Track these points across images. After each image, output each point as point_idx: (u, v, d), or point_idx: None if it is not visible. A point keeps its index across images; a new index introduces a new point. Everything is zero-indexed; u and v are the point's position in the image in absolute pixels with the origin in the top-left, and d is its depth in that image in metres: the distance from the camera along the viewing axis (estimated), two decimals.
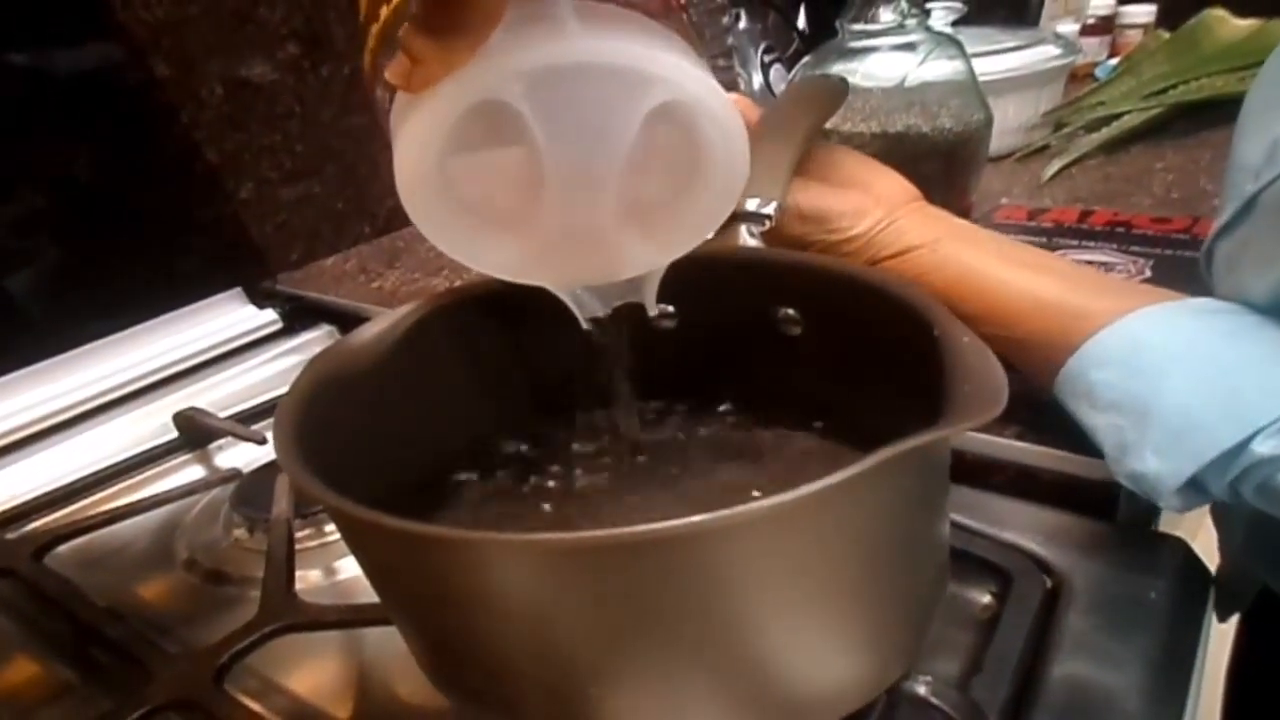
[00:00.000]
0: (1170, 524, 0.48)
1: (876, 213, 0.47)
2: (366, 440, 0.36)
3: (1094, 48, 1.17)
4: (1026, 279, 0.43)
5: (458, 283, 0.73)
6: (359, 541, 0.32)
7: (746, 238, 0.43)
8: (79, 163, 0.69)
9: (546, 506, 0.41)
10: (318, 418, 0.33)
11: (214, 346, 0.72)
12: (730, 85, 0.73)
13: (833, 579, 0.29)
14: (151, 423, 0.65)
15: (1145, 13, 1.19)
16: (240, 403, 0.67)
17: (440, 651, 0.33)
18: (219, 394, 0.68)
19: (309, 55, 0.79)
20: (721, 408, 0.44)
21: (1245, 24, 1.02)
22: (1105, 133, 0.91)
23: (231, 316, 0.75)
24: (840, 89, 0.51)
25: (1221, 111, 0.93)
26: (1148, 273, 0.61)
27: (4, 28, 0.61)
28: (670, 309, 0.43)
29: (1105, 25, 1.19)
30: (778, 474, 0.40)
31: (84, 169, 0.69)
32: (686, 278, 0.43)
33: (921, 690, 0.33)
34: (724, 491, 0.39)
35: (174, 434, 0.65)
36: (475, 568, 0.27)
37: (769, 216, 0.43)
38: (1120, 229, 0.69)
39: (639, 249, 0.35)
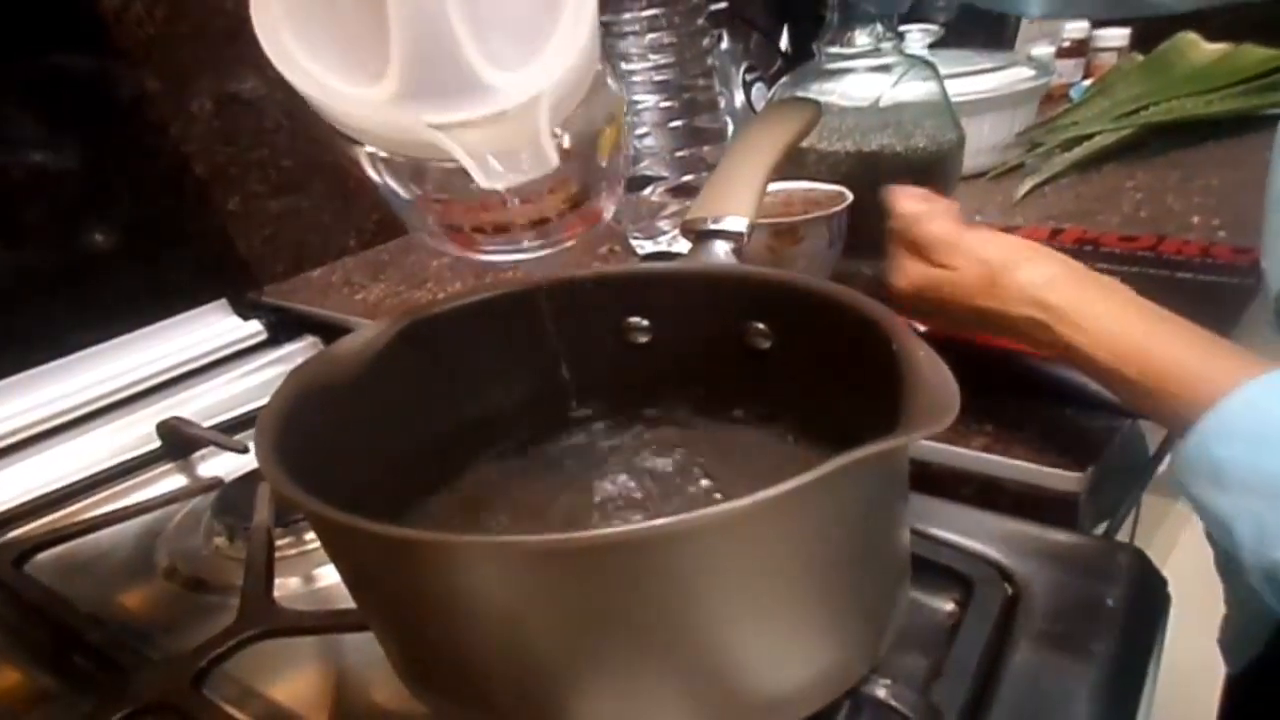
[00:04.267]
0: (1125, 533, 0.50)
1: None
2: (345, 449, 0.37)
3: (1069, 69, 1.20)
4: (1158, 330, 0.42)
5: (440, 295, 0.75)
6: (336, 545, 0.32)
7: (719, 254, 0.45)
8: (69, 174, 0.69)
9: (520, 516, 0.42)
10: (299, 426, 0.34)
11: (199, 357, 0.73)
12: (711, 104, 0.75)
13: (792, 581, 0.30)
14: (135, 431, 0.66)
15: (1119, 36, 1.22)
16: (224, 413, 0.68)
17: (415, 656, 0.34)
18: (203, 404, 0.69)
19: None
20: (694, 418, 0.45)
21: (1216, 48, 1.05)
22: (1077, 152, 0.93)
23: (216, 327, 0.76)
24: (814, 110, 0.52)
25: (1191, 133, 0.96)
26: None
27: (2, 43, 0.62)
28: (645, 322, 0.44)
29: (1080, 48, 1.22)
30: (747, 484, 0.41)
31: (74, 180, 0.70)
32: (659, 293, 0.44)
33: (881, 693, 0.34)
34: (693, 500, 0.41)
35: (157, 443, 0.65)
36: (448, 570, 0.28)
37: (741, 233, 0.45)
38: (1088, 247, 0.70)
39: (501, 78, 0.34)
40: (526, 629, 0.29)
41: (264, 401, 0.67)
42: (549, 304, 0.44)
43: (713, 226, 0.45)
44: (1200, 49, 1.05)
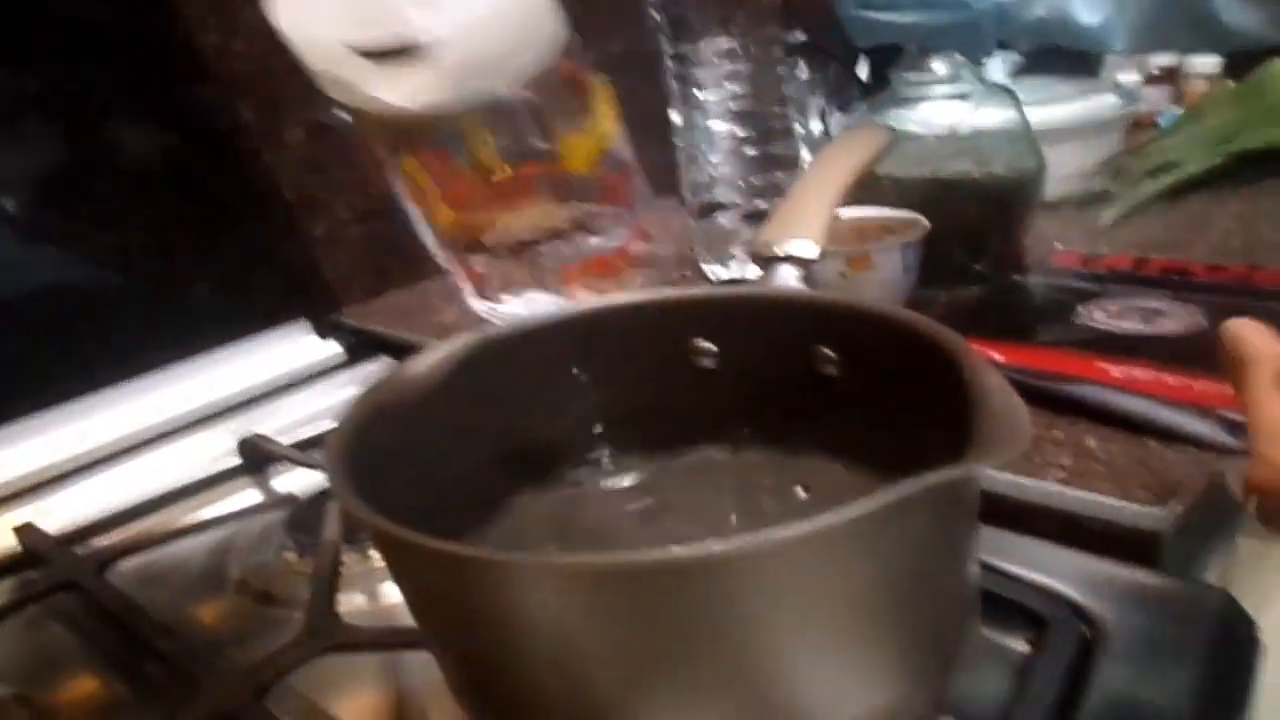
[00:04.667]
0: (1216, 575, 0.48)
1: None
2: (410, 470, 0.37)
3: (1158, 98, 1.16)
4: None
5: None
6: (398, 563, 0.33)
7: (788, 279, 0.44)
8: (166, 199, 0.73)
9: (579, 541, 0.42)
10: (367, 446, 0.35)
11: (280, 376, 0.75)
12: (786, 132, 0.75)
13: (853, 610, 0.29)
14: (218, 446, 0.68)
15: (1211, 64, 1.18)
16: (300, 430, 0.69)
17: (472, 676, 0.34)
18: (282, 421, 0.71)
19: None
20: (760, 445, 0.45)
21: None
22: (1165, 180, 0.90)
23: (297, 347, 0.78)
24: (886, 135, 0.52)
25: None
26: (1202, 320, 0.60)
27: (111, 73, 0.66)
28: (712, 347, 0.44)
29: (1170, 76, 1.18)
30: (812, 512, 0.41)
31: (170, 204, 0.73)
32: (726, 317, 0.44)
33: None
34: (756, 525, 0.40)
35: (237, 458, 0.67)
36: (508, 590, 0.28)
37: (810, 259, 0.44)
38: (1175, 275, 0.68)
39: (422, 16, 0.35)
40: (583, 652, 0.29)
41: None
42: (614, 326, 0.44)
43: (781, 251, 0.45)
44: None
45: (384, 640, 0.43)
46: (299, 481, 0.64)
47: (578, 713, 0.30)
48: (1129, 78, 1.13)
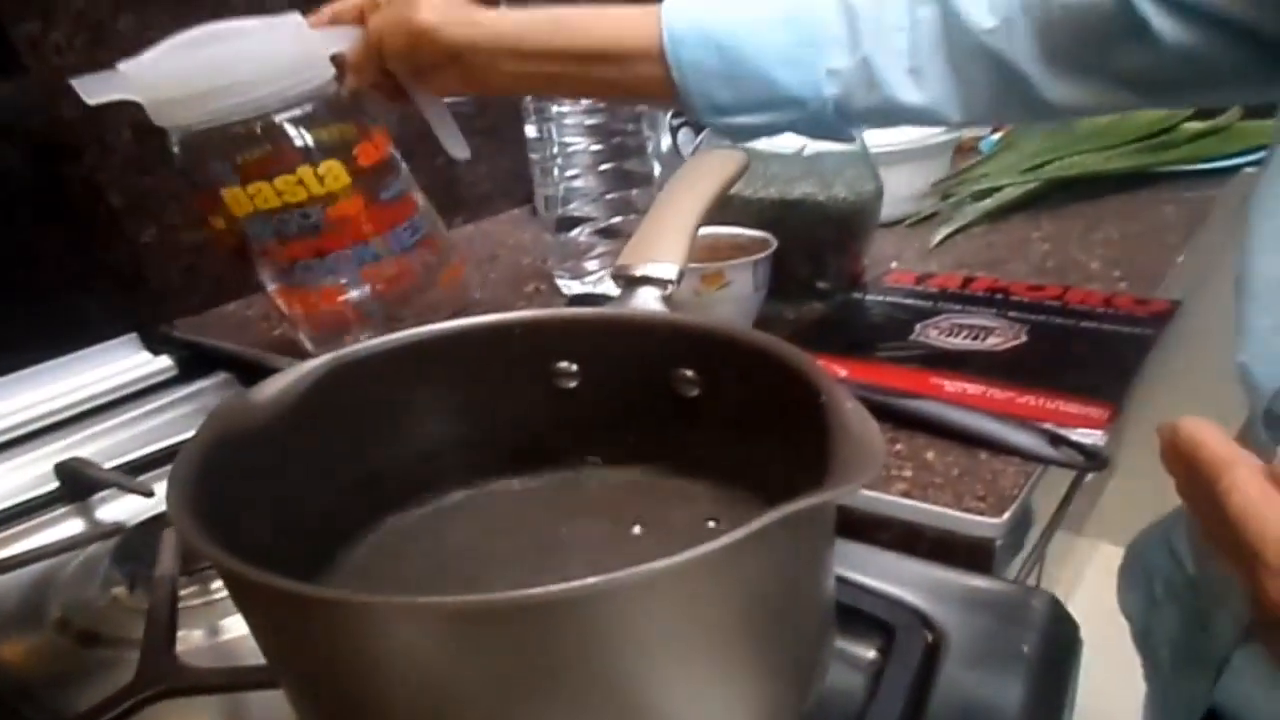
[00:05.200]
0: (1084, 558, 0.51)
1: None
2: (263, 497, 0.35)
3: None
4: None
5: (362, 337, 0.73)
6: (249, 603, 0.31)
7: (648, 300, 0.45)
8: None
9: (442, 567, 0.41)
10: (215, 473, 0.33)
11: (103, 393, 0.70)
12: (640, 149, 0.76)
13: (722, 637, 0.29)
14: (31, 472, 0.63)
15: None
16: (128, 453, 0.65)
17: (330, 717, 0.33)
18: (106, 443, 0.66)
19: None
20: (621, 465, 0.45)
21: None
22: (987, 203, 0.96)
23: (124, 362, 0.73)
24: (742, 159, 0.53)
25: (1092, 187, 1.00)
26: (1024, 337, 0.65)
27: None
28: (573, 367, 0.44)
29: None
30: (674, 533, 0.41)
31: None
32: (589, 338, 0.44)
33: None
34: (621, 551, 0.40)
35: (54, 484, 0.62)
36: (366, 630, 0.27)
37: (670, 281, 0.45)
38: (999, 295, 0.73)
39: None
40: (446, 690, 0.28)
41: (170, 441, 0.66)
42: (475, 347, 0.43)
43: (642, 273, 0.45)
44: None
45: (229, 682, 0.41)
46: (127, 509, 0.60)
47: None
48: None
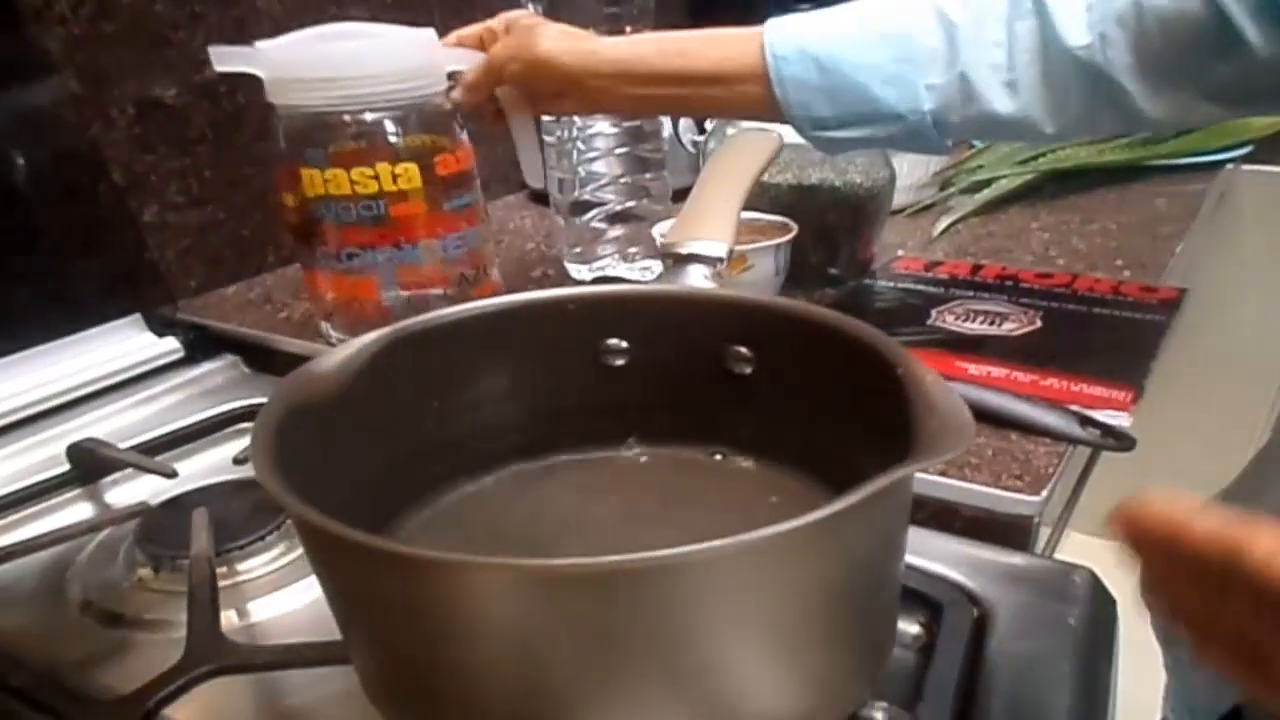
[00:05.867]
0: (1071, 553, 0.52)
1: None
2: (328, 467, 0.35)
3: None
4: None
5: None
6: (330, 562, 0.31)
7: (697, 278, 0.45)
8: None
9: (498, 538, 0.41)
10: (285, 443, 0.32)
11: (110, 375, 0.68)
12: (655, 134, 0.76)
13: (803, 613, 0.30)
14: (40, 454, 0.61)
15: None
16: (139, 435, 0.63)
17: (404, 679, 0.32)
18: (116, 425, 0.65)
19: (225, 80, 0.77)
20: (672, 443, 0.45)
21: None
22: (985, 194, 0.97)
23: (129, 344, 0.71)
24: (777, 142, 0.54)
25: (1085, 179, 1.02)
26: (1038, 322, 0.66)
27: None
28: (622, 344, 0.44)
29: None
30: (737, 508, 0.41)
31: None
32: (642, 314, 0.44)
33: (879, 716, 0.35)
34: (682, 525, 0.40)
35: (64, 467, 0.61)
36: (457, 590, 0.27)
37: (719, 259, 0.45)
38: (1009, 282, 0.74)
39: None
40: (526, 653, 0.28)
41: (186, 422, 0.65)
42: (528, 323, 0.43)
43: (690, 250, 0.45)
44: None
45: (282, 659, 0.40)
46: (139, 490, 0.59)
47: (518, 714, 0.30)
48: None
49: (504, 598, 0.27)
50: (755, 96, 0.57)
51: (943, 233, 0.90)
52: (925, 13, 0.56)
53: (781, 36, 0.56)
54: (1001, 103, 0.55)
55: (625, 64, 0.59)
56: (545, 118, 0.73)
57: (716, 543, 0.25)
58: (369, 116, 0.60)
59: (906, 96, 0.56)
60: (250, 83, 0.60)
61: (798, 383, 0.40)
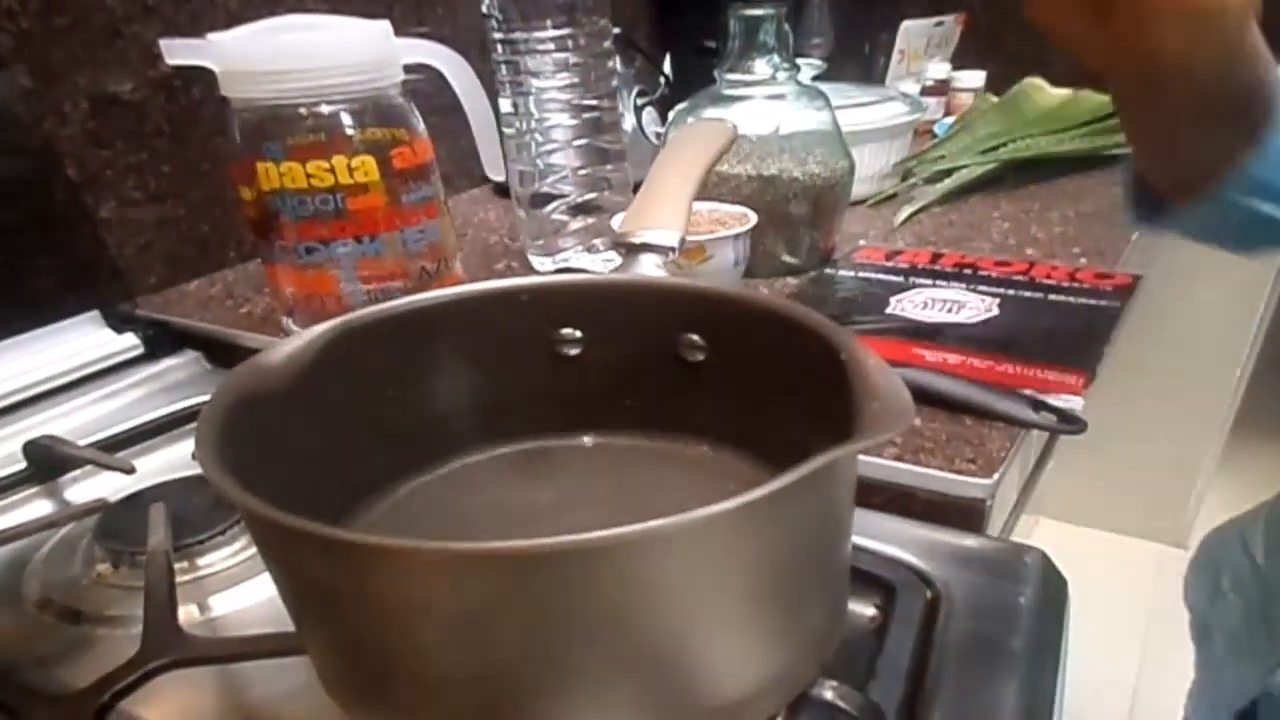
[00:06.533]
0: (1026, 533, 0.53)
1: None
2: (277, 460, 0.35)
3: (933, 107, 1.27)
4: None
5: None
6: (280, 552, 0.31)
7: (650, 267, 0.45)
8: None
9: (454, 528, 0.41)
10: (234, 437, 0.32)
11: (68, 372, 0.67)
12: (614, 125, 0.76)
13: (746, 592, 0.30)
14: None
15: (976, 78, 1.31)
16: (98, 432, 0.63)
17: (357, 669, 0.32)
18: (74, 422, 0.64)
19: (181, 75, 0.76)
20: (626, 431, 0.46)
21: (1059, 93, 1.13)
22: (947, 184, 0.98)
23: (87, 341, 0.71)
24: (731, 131, 0.54)
25: (1044, 168, 1.03)
26: (995, 309, 0.67)
27: None
28: (576, 334, 0.44)
29: (941, 87, 1.30)
30: (693, 491, 0.42)
31: None
32: (595, 304, 0.44)
33: (829, 695, 0.35)
34: (636, 509, 0.41)
35: (21, 464, 0.60)
36: (408, 577, 0.27)
37: (671, 248, 0.45)
38: (968, 270, 0.75)
39: None
40: (473, 638, 0.28)
41: (145, 419, 0.64)
42: (480, 313, 0.43)
43: (643, 240, 0.46)
44: (1045, 93, 1.14)
45: (238, 650, 0.40)
46: (97, 488, 0.59)
47: (473, 698, 0.30)
48: (910, 87, 1.23)
49: (445, 582, 0.27)
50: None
51: (904, 222, 0.91)
52: None
53: None
54: None
55: None
56: (504, 109, 0.73)
57: (654, 523, 0.25)
58: (325, 109, 0.60)
59: None
60: (207, 77, 0.60)
61: (749, 369, 0.41)
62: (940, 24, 1.32)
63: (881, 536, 0.47)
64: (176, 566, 0.48)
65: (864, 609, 0.44)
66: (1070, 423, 0.52)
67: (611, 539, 0.26)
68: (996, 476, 0.48)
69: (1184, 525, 1.76)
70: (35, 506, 0.58)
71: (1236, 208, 0.46)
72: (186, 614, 0.47)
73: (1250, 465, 1.82)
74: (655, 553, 0.27)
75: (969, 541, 0.47)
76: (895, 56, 1.30)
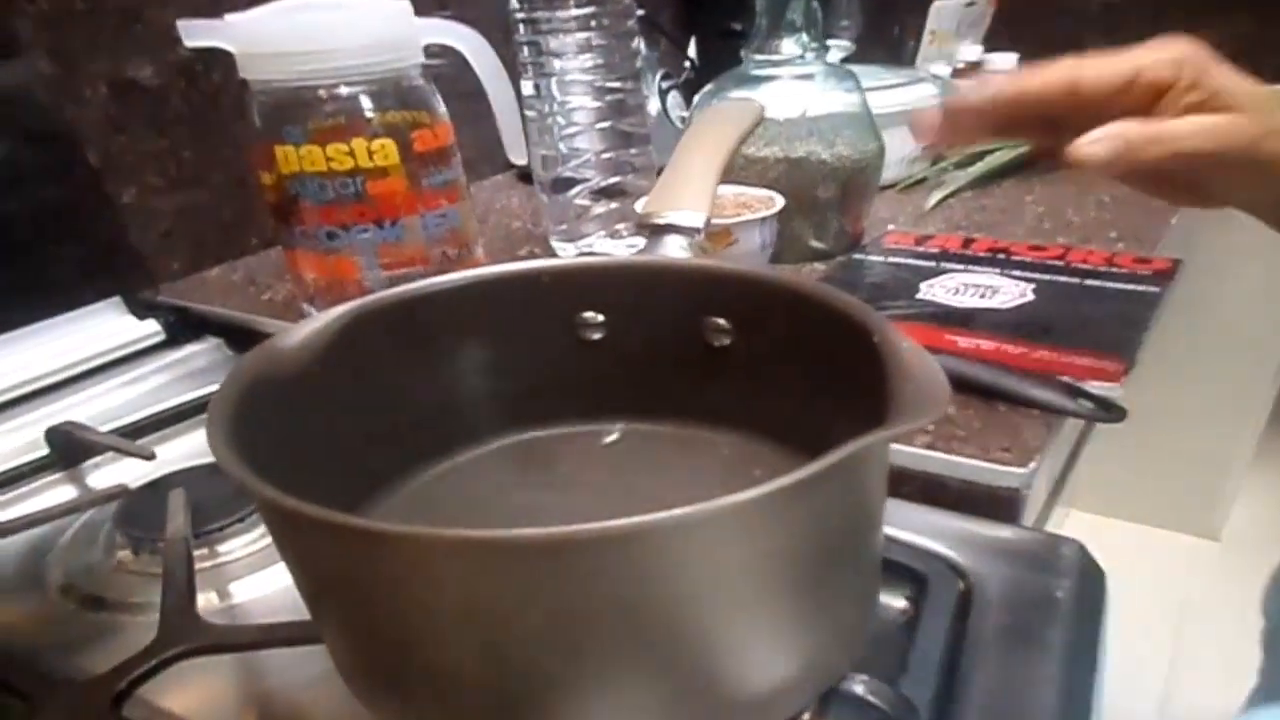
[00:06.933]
0: (1057, 525, 0.52)
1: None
2: (293, 446, 0.34)
3: (965, 89, 1.25)
4: None
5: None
6: (294, 541, 0.30)
7: (674, 249, 0.44)
8: None
9: (475, 515, 0.40)
10: (246, 420, 0.32)
11: (89, 358, 0.67)
12: (639, 108, 0.74)
13: (776, 583, 0.29)
14: (19, 438, 0.60)
15: (1008, 60, 1.28)
16: (119, 418, 0.63)
17: (374, 659, 0.32)
18: (95, 409, 0.64)
19: (202, 59, 0.75)
20: (649, 417, 0.44)
21: None
22: (978, 168, 0.96)
23: (109, 327, 0.70)
24: (758, 111, 0.53)
25: None
26: (1029, 295, 0.65)
27: None
28: (599, 318, 0.43)
29: (973, 70, 1.27)
30: (719, 479, 0.41)
31: None
32: (617, 286, 0.43)
33: (859, 689, 0.34)
34: (660, 497, 0.40)
35: (44, 450, 0.60)
36: (423, 565, 0.27)
37: (697, 229, 0.44)
38: (1001, 255, 0.73)
39: None
40: (492, 627, 0.27)
41: (167, 405, 0.64)
42: (500, 296, 0.42)
43: (667, 220, 0.44)
44: None
45: (258, 639, 0.40)
46: (120, 474, 0.58)
47: (492, 692, 0.29)
48: (940, 70, 1.20)
49: (465, 571, 0.26)
50: None
51: (935, 207, 0.89)
52: None
53: None
54: None
55: None
56: (526, 92, 0.72)
57: (680, 510, 0.24)
58: (344, 91, 0.59)
59: None
60: (228, 60, 0.59)
61: (777, 354, 0.40)
62: (972, 4, 1.29)
63: (912, 526, 0.46)
64: (196, 553, 0.48)
65: (895, 601, 0.43)
66: (1109, 411, 0.50)
67: (635, 526, 0.24)
68: (1033, 466, 0.47)
69: (1218, 518, 1.73)
70: (58, 492, 0.58)
71: None
72: (206, 601, 0.47)
73: None
74: (680, 541, 0.26)
75: (1003, 532, 0.45)
76: (926, 38, 1.27)
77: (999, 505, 0.47)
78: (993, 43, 1.34)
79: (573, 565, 0.26)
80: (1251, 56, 0.49)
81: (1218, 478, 1.69)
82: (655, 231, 0.44)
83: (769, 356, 0.40)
